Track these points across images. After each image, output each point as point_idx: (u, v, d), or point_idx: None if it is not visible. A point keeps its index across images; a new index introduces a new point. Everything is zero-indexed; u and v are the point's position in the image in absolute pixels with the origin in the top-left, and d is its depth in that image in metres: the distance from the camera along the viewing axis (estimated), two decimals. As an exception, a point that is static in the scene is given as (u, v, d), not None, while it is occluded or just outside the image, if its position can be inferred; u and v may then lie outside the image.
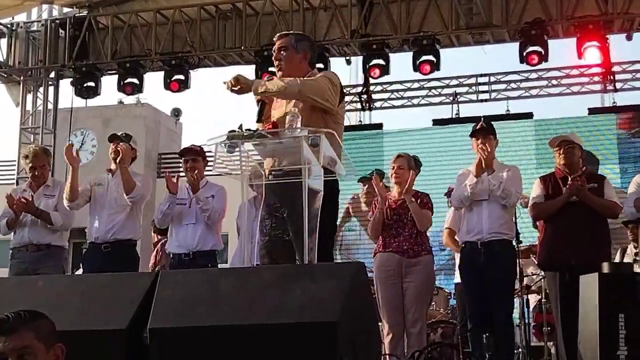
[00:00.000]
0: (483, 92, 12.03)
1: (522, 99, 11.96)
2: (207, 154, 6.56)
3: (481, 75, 12.08)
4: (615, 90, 11.29)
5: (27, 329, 2.44)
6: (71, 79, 10.97)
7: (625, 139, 10.41)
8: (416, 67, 9.84)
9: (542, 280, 6.70)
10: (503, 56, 11.94)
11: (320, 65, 10.01)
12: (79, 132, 17.06)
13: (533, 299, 7.46)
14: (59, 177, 9.23)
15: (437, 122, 11.36)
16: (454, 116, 11.76)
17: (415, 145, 10.58)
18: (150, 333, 3.27)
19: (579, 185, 5.55)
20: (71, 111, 11.31)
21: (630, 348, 3.96)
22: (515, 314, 6.56)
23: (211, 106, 47.06)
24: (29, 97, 11.37)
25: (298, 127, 4.09)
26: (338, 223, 9.03)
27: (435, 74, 10.45)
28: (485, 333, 5.60)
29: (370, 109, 12.07)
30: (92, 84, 10.84)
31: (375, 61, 9.96)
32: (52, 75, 11.36)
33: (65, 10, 11.28)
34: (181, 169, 6.73)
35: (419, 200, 6.12)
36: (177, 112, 20.13)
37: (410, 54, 9.87)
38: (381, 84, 12.10)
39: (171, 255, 6.46)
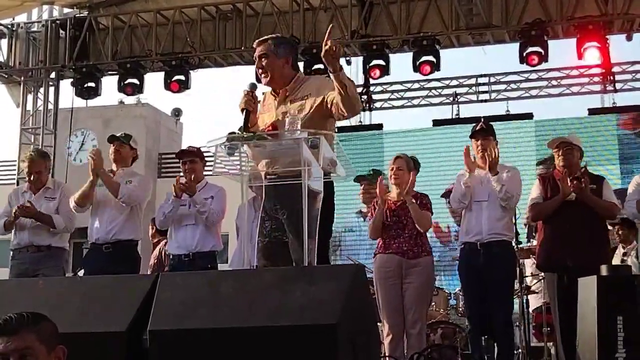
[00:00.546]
0: (483, 92, 12.05)
1: (522, 99, 11.99)
2: (205, 154, 6.58)
3: (481, 76, 12.10)
4: (615, 90, 11.30)
5: (29, 330, 2.46)
6: (72, 80, 10.99)
7: (625, 139, 10.41)
8: (416, 68, 9.86)
9: (542, 281, 6.71)
10: (503, 57, 11.96)
11: (320, 66, 10.03)
12: (80, 132, 17.08)
13: (536, 299, 7.46)
14: (59, 177, 9.26)
15: (437, 123, 11.36)
16: (454, 117, 11.77)
17: (416, 145, 10.58)
18: (150, 335, 3.28)
19: (580, 185, 5.56)
20: (72, 112, 11.32)
21: (628, 350, 3.96)
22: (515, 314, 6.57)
23: (211, 106, 47.09)
24: (30, 97, 11.39)
25: (298, 128, 4.09)
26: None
27: (435, 75, 10.48)
28: (484, 335, 5.60)
29: (370, 110, 12.07)
30: (92, 84, 10.87)
31: (375, 62, 9.98)
32: (53, 75, 11.38)
33: (66, 10, 11.30)
34: (181, 170, 6.73)
35: (418, 201, 6.12)
36: (177, 112, 20.15)
37: (410, 54, 9.89)
38: (381, 84, 12.11)
39: (171, 257, 6.46)
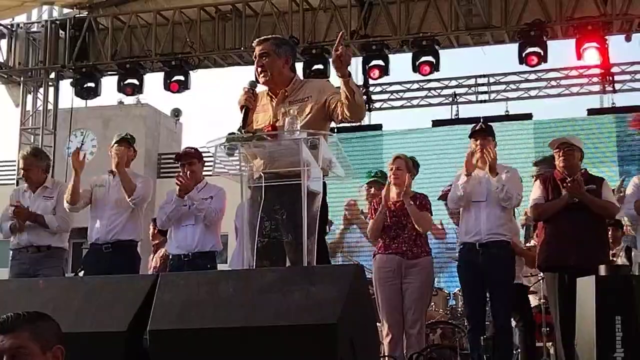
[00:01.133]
0: (482, 93, 12.06)
1: (522, 99, 11.99)
2: (204, 154, 6.58)
3: (480, 76, 12.11)
4: (614, 91, 11.32)
5: (23, 329, 2.46)
6: (71, 80, 11.00)
7: (624, 139, 10.42)
8: (416, 68, 9.87)
9: (541, 281, 6.72)
10: (502, 57, 11.94)
11: (320, 66, 10.05)
12: (79, 132, 17.05)
13: (534, 299, 7.47)
14: (59, 177, 9.26)
15: (436, 123, 11.36)
16: (453, 117, 11.78)
17: (415, 146, 10.59)
18: (150, 335, 3.29)
19: (576, 185, 5.57)
20: (71, 112, 11.33)
21: (626, 350, 3.97)
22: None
23: (211, 106, 47.05)
24: (29, 97, 11.40)
25: (297, 129, 4.10)
26: (338, 232, 9.03)
27: (435, 75, 10.49)
28: (483, 335, 5.62)
29: (369, 110, 12.07)
30: (92, 84, 10.87)
31: (374, 62, 9.98)
32: (52, 75, 11.39)
33: (66, 11, 11.30)
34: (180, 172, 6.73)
35: (417, 202, 6.13)
36: (177, 113, 20.14)
37: (410, 54, 9.90)
38: (381, 84, 12.12)
39: (170, 257, 6.47)
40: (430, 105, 12.34)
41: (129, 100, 16.79)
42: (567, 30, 9.61)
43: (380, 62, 9.98)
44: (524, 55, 9.46)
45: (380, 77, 10.14)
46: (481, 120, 6.26)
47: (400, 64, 10.53)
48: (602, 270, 4.33)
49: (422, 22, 9.83)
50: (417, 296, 6.04)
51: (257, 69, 4.51)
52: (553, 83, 11.91)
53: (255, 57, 4.54)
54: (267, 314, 3.28)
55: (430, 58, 9.76)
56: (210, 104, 46.91)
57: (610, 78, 11.17)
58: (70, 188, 6.19)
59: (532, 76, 11.84)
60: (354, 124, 11.93)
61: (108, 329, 3.35)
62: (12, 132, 17.71)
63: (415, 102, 12.44)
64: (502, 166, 6.03)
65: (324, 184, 4.30)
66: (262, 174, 4.26)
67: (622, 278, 4.32)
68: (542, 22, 9.37)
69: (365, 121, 12.15)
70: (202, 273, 4.68)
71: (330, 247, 7.37)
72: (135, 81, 10.80)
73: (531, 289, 7.23)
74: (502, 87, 12.04)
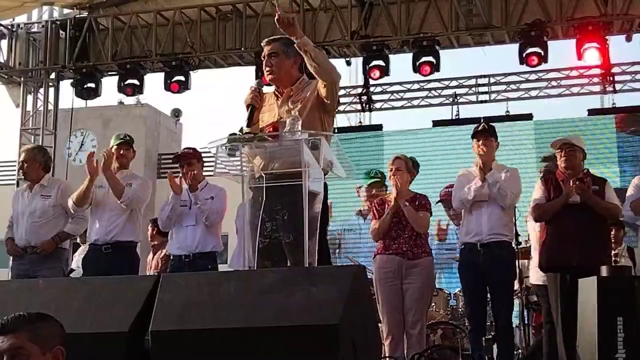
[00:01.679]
0: (483, 93, 12.04)
1: (522, 100, 11.97)
2: (204, 154, 6.59)
3: (481, 77, 12.10)
4: (615, 91, 11.30)
5: (23, 330, 2.47)
6: (71, 80, 10.99)
7: (625, 140, 10.42)
8: (416, 68, 9.86)
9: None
10: (503, 57, 11.90)
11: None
12: (79, 132, 17.06)
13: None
14: (59, 177, 9.26)
15: (437, 123, 11.37)
16: (453, 117, 11.78)
17: (415, 146, 10.60)
18: (152, 336, 3.29)
19: (583, 185, 5.57)
20: (72, 113, 11.33)
21: (628, 350, 3.97)
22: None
23: (211, 107, 47.05)
24: (30, 98, 11.38)
25: (299, 129, 4.10)
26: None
27: (435, 75, 10.47)
28: (484, 335, 5.61)
29: (370, 110, 12.07)
30: (92, 85, 10.86)
31: (375, 62, 9.97)
32: (53, 76, 11.37)
33: (66, 11, 11.29)
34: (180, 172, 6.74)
35: (417, 202, 6.13)
36: (177, 113, 20.12)
37: (410, 55, 9.89)
38: (381, 85, 12.11)
39: (171, 257, 6.47)
40: (430, 105, 12.32)
41: (129, 100, 16.78)
42: (568, 31, 9.61)
43: (381, 63, 9.97)
44: (524, 55, 9.46)
45: (380, 77, 10.13)
46: (482, 121, 6.25)
47: (401, 64, 10.54)
48: (604, 271, 4.33)
49: (422, 22, 9.82)
50: (417, 296, 6.04)
51: (265, 69, 4.53)
52: (553, 83, 11.89)
53: (263, 57, 4.55)
54: (268, 314, 3.28)
55: (430, 58, 9.75)
56: (211, 104, 46.90)
57: (611, 78, 11.16)
58: (81, 191, 6.17)
59: (533, 76, 11.82)
60: (354, 124, 12.02)
61: (110, 330, 3.35)
62: (12, 132, 17.70)
63: (415, 102, 12.43)
64: (502, 166, 6.03)
65: (325, 185, 4.30)
66: (263, 175, 4.26)
67: (624, 279, 4.33)
68: (543, 22, 9.36)
69: (366, 121, 12.19)
70: (203, 274, 4.69)
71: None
72: (135, 81, 10.79)
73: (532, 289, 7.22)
74: (503, 87, 12.03)
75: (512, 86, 11.99)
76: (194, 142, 26.96)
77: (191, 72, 10.68)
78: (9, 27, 11.30)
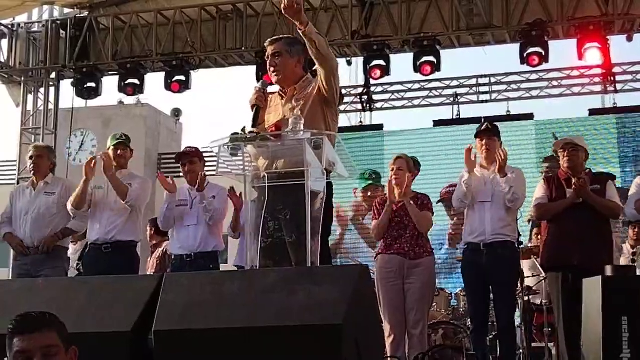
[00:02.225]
0: (484, 93, 12.05)
1: (523, 100, 11.98)
2: (205, 153, 6.59)
3: (482, 76, 12.10)
4: (616, 91, 11.30)
5: (51, 329, 2.49)
6: (72, 80, 10.98)
7: (626, 140, 10.42)
8: (417, 68, 9.85)
9: (543, 281, 6.71)
10: (504, 57, 11.94)
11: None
12: (79, 132, 17.04)
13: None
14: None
15: (437, 123, 11.37)
16: (454, 117, 11.79)
17: (416, 146, 10.59)
18: (155, 335, 3.28)
19: (582, 185, 5.57)
20: (72, 112, 11.31)
21: (633, 350, 3.96)
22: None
23: (211, 106, 47.06)
24: (30, 97, 11.38)
25: (301, 129, 4.09)
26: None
27: (436, 75, 10.46)
28: (486, 335, 5.60)
29: (371, 110, 12.08)
30: (93, 84, 10.86)
31: (375, 62, 9.97)
32: (53, 75, 11.36)
33: (66, 11, 11.29)
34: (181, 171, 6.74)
35: (419, 202, 6.13)
36: (177, 113, 20.12)
37: (411, 55, 9.89)
38: (382, 84, 12.11)
39: (173, 257, 6.47)
40: (431, 105, 12.33)
41: (129, 100, 16.77)
42: (569, 30, 9.60)
43: (382, 62, 9.96)
44: (525, 55, 9.45)
45: (381, 77, 10.12)
46: (484, 121, 6.24)
47: (402, 64, 10.54)
48: (609, 270, 4.32)
49: (423, 22, 9.81)
50: (419, 296, 6.03)
51: (269, 69, 4.52)
52: (554, 83, 11.90)
53: (267, 57, 4.54)
54: (271, 314, 3.27)
55: (431, 58, 9.75)
56: (211, 104, 46.94)
57: (612, 78, 11.16)
58: (77, 193, 6.17)
59: (534, 76, 11.83)
60: (354, 124, 12.01)
61: (113, 329, 3.34)
62: (12, 132, 17.68)
63: (416, 102, 12.43)
64: (507, 167, 6.02)
65: (331, 184, 4.29)
66: (265, 174, 4.26)
67: (628, 278, 4.32)
68: (544, 22, 9.36)
69: (367, 121, 12.19)
70: (206, 273, 4.68)
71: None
72: (136, 81, 10.78)
73: (534, 288, 7.22)
74: (504, 87, 12.04)
75: (513, 86, 12.00)
76: (194, 141, 26.93)
77: (192, 72, 10.66)
78: (10, 26, 11.29)
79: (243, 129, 4.20)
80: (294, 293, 3.32)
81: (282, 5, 4.15)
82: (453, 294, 7.80)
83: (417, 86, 12.30)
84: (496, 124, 6.26)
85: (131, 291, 3.53)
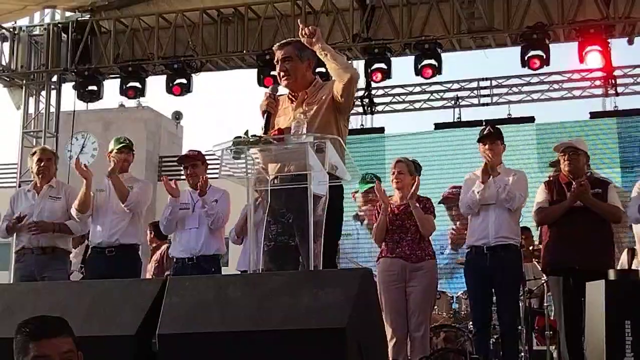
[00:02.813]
0: (485, 96, 12.04)
1: (524, 103, 11.97)
2: (206, 156, 6.59)
3: (483, 79, 12.09)
4: (617, 94, 11.28)
5: (68, 333, 2.49)
6: (73, 83, 10.98)
7: (627, 143, 10.42)
8: (418, 71, 9.85)
9: (544, 284, 6.71)
10: (505, 60, 11.90)
11: (323, 70, 10.01)
12: (80, 135, 17.05)
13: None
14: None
15: (438, 126, 11.38)
16: (455, 120, 11.80)
17: (417, 149, 10.61)
18: (159, 339, 3.28)
19: (582, 189, 5.56)
20: (73, 115, 11.31)
21: (636, 354, 3.96)
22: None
23: (212, 109, 47.07)
24: (31, 100, 11.37)
25: (304, 133, 4.09)
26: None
27: (437, 78, 10.46)
28: (489, 338, 5.60)
29: (372, 113, 12.06)
30: (94, 87, 10.85)
31: (377, 65, 9.96)
32: (54, 79, 11.36)
33: (68, 14, 11.28)
34: (182, 172, 6.75)
35: (421, 205, 6.13)
36: (178, 115, 20.12)
37: (412, 58, 9.88)
38: (383, 87, 12.10)
39: (174, 260, 6.47)
40: (432, 108, 12.33)
41: (130, 103, 16.75)
42: (570, 34, 9.61)
43: (383, 65, 9.95)
44: (526, 58, 9.45)
45: (382, 80, 10.12)
46: (485, 124, 6.24)
47: (403, 67, 10.53)
48: (612, 274, 4.33)
49: (424, 25, 9.81)
50: (421, 299, 6.03)
51: (279, 73, 4.52)
52: (555, 86, 11.91)
53: (277, 61, 4.53)
54: (275, 318, 3.26)
55: (432, 61, 9.74)
56: (212, 107, 46.95)
57: (613, 81, 11.14)
58: (81, 197, 6.17)
59: (535, 79, 11.83)
60: (355, 127, 12.01)
61: (117, 333, 3.34)
62: (13, 135, 17.69)
63: (417, 105, 12.43)
64: (509, 170, 6.02)
65: (341, 187, 4.31)
66: (277, 177, 4.27)
67: (631, 282, 4.32)
68: (545, 25, 9.36)
69: (368, 124, 12.18)
70: (210, 277, 4.69)
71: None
72: (137, 84, 10.78)
73: (535, 292, 7.23)
74: (505, 90, 12.03)
75: (514, 89, 12.00)
76: (195, 144, 27.01)
77: (193, 75, 10.67)
78: (11, 29, 11.29)
79: (246, 132, 4.19)
80: (297, 297, 3.32)
81: (300, 34, 4.26)
82: (454, 297, 7.80)
83: (418, 89, 12.30)
84: (498, 126, 6.26)
85: (135, 295, 3.52)
